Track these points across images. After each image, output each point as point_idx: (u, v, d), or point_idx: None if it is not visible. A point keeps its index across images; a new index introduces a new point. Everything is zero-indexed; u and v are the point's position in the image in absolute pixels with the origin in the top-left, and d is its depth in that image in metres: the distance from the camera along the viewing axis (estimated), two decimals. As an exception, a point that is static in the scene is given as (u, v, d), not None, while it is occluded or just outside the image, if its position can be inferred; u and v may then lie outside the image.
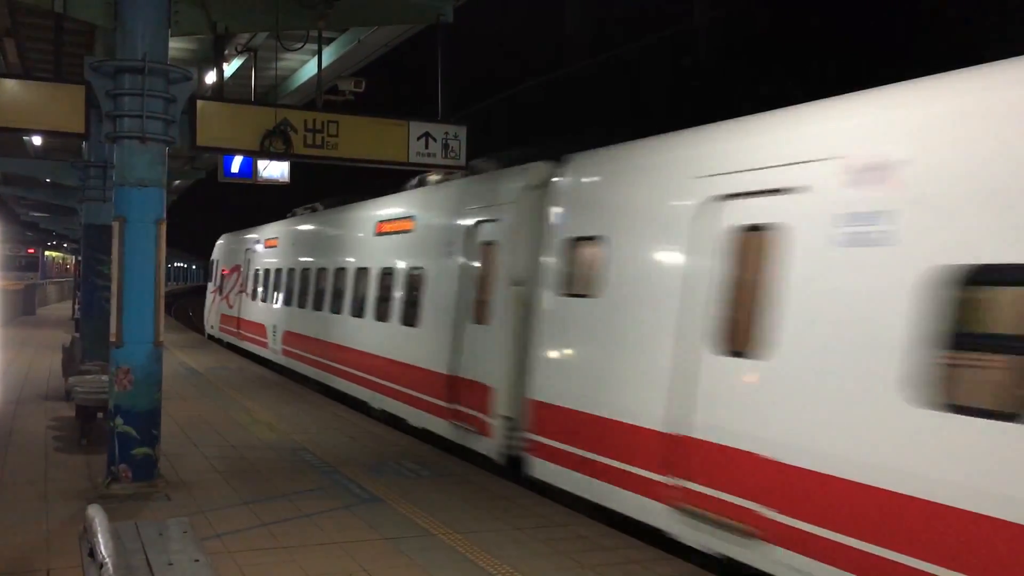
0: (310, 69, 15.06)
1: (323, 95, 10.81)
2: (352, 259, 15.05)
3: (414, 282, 12.26)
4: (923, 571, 5.09)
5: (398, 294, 12.81)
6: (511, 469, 9.31)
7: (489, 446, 9.73)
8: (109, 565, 3.81)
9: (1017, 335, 5.14)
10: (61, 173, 21.57)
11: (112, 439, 8.33)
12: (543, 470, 8.61)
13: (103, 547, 3.93)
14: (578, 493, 8.10)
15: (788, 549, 5.87)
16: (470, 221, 10.89)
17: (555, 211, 9.00)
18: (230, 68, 15.18)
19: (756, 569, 6.16)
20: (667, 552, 6.96)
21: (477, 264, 10.65)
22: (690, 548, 6.80)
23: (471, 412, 10.18)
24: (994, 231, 5.05)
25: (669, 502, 6.89)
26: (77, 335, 16.26)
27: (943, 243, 5.26)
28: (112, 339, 8.37)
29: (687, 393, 6.83)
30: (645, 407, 7.23)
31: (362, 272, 14.39)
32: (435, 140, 10.17)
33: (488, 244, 10.42)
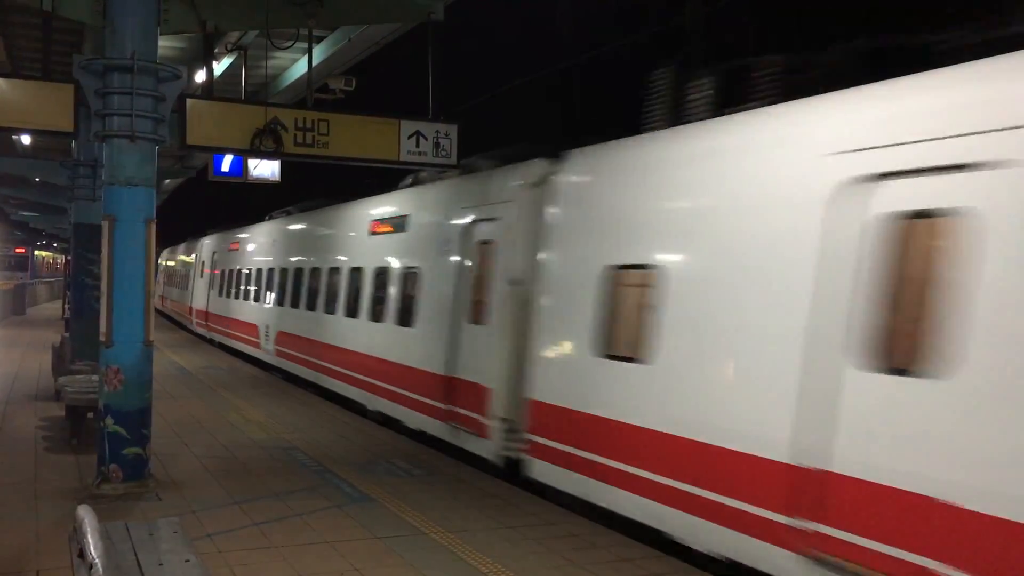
0: (300, 67, 15.03)
1: (314, 93, 10.79)
2: (198, 265, 29.38)
3: (189, 272, 28.80)
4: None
5: (191, 276, 28.86)
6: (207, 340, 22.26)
7: (194, 328, 26.10)
8: (99, 565, 3.80)
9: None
10: (50, 172, 21.51)
11: (102, 439, 8.30)
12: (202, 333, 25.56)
13: (93, 547, 3.92)
14: (205, 335, 25.28)
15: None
16: (207, 248, 26.48)
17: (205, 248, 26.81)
18: (220, 67, 15.14)
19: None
20: (660, 550, 6.98)
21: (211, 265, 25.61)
22: (684, 546, 6.82)
23: (203, 322, 25.31)
24: None
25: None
26: (67, 335, 16.21)
27: None
28: (102, 339, 8.34)
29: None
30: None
31: (192, 271, 30.22)
32: (426, 139, 10.15)
33: (214, 261, 24.92)
